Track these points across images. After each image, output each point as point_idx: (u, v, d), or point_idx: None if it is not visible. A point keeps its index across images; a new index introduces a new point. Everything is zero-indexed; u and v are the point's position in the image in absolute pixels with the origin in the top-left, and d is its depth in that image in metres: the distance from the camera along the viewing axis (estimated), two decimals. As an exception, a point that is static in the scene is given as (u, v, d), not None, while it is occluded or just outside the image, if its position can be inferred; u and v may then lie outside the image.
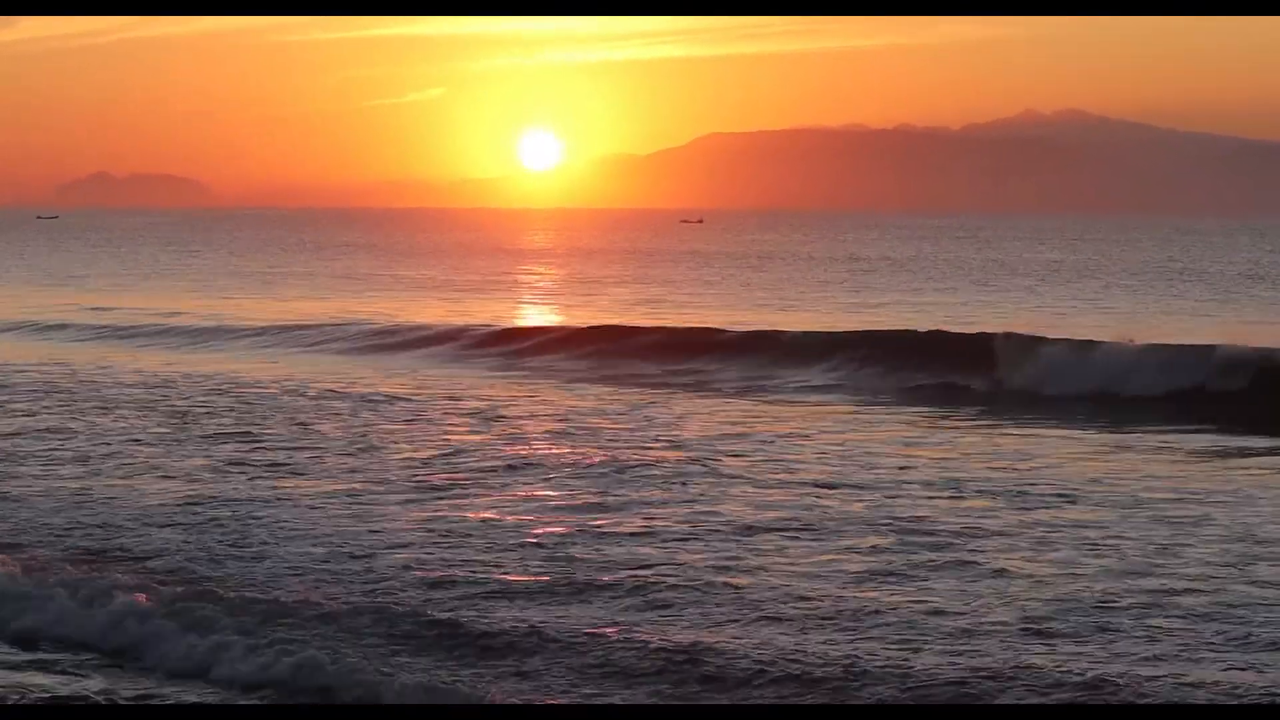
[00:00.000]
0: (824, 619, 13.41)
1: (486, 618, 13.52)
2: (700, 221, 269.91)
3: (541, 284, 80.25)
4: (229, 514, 18.30)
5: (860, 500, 19.03)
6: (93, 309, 54.80)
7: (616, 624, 13.30)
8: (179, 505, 18.91)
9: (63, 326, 47.30)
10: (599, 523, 17.64)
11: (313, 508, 18.64)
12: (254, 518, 18.07)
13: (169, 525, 17.71)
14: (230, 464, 21.90)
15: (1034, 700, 11.16)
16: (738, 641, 12.71)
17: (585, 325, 44.13)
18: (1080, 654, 12.38)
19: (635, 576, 14.92)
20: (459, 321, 46.85)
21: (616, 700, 11.48)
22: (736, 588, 14.49)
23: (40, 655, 12.92)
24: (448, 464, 21.84)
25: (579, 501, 19.01)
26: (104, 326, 47.16)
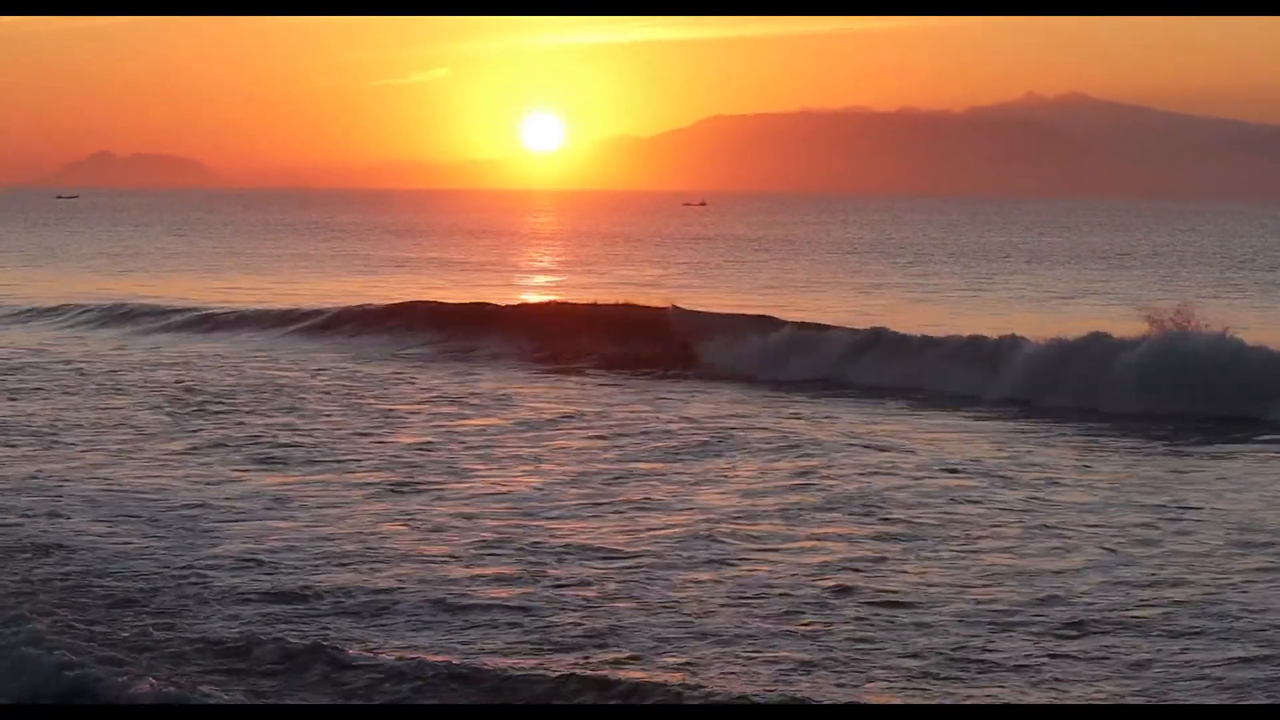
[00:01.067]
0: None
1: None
2: (703, 204, 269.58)
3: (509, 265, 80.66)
4: (157, 503, 17.82)
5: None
6: (104, 291, 54.42)
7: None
8: (109, 495, 18.40)
9: (69, 309, 46.57)
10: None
11: (257, 498, 18.27)
12: (186, 507, 17.60)
13: (91, 517, 17.09)
14: (189, 453, 21.49)
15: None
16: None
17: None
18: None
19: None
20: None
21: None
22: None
23: None
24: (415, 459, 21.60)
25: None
26: (100, 312, 46.38)
